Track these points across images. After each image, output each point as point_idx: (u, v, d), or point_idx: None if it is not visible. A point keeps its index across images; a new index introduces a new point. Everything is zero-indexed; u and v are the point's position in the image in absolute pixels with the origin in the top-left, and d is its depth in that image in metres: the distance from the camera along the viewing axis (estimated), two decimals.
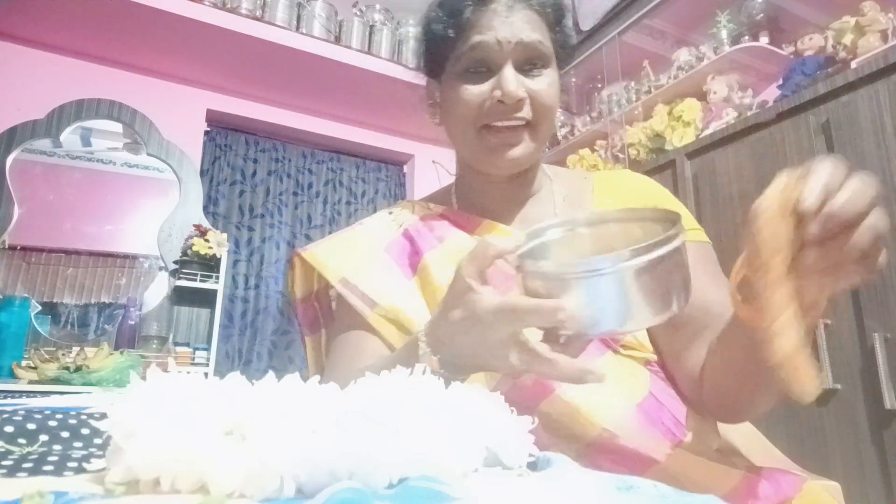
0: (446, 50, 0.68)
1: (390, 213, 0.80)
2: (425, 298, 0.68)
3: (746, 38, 2.16)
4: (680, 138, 2.19)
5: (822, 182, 0.37)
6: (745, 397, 0.57)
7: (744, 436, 0.63)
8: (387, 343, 0.68)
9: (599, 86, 2.74)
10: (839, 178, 0.38)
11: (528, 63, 0.66)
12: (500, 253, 0.45)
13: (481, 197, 0.76)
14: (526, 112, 0.66)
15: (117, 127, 2.80)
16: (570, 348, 0.44)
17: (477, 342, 0.45)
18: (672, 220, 0.45)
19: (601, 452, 0.57)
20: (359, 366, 0.65)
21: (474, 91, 0.66)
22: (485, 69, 0.66)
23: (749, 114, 1.95)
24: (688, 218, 0.69)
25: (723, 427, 0.67)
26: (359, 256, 0.72)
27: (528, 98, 0.66)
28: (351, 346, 0.69)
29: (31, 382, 1.87)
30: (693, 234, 0.67)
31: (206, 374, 1.95)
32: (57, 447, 0.34)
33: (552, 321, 0.41)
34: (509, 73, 0.64)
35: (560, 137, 2.91)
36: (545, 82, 0.67)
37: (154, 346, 2.50)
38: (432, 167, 3.64)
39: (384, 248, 0.73)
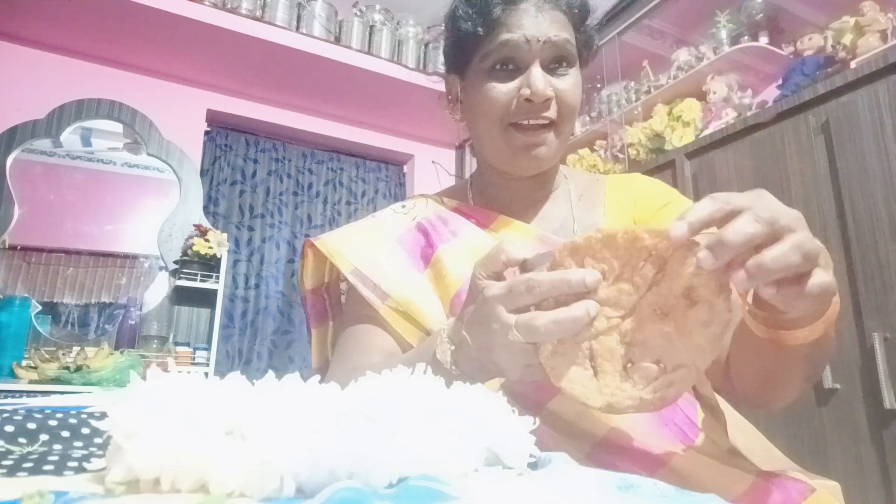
0: (473, 47, 0.68)
1: (403, 206, 0.79)
2: (437, 291, 0.68)
3: (746, 38, 2.16)
4: (679, 138, 2.19)
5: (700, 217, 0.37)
6: (770, 387, 0.56)
7: (744, 435, 0.62)
8: (396, 337, 0.67)
9: (599, 86, 2.74)
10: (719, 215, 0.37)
11: (555, 62, 0.66)
12: (511, 262, 0.46)
13: (499, 193, 0.76)
14: (552, 112, 0.66)
15: (117, 127, 2.80)
16: None
17: (487, 338, 0.45)
18: None
19: (610, 452, 0.56)
20: (366, 360, 0.65)
21: (502, 89, 0.66)
22: (512, 67, 0.66)
23: (748, 114, 1.95)
24: None
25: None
26: (371, 248, 0.72)
27: (555, 97, 0.66)
28: (359, 339, 0.69)
29: (31, 382, 1.86)
30: None
31: (206, 374, 1.95)
32: (57, 447, 0.34)
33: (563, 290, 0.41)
34: (537, 72, 0.65)
35: None
36: (570, 82, 0.67)
37: (154, 345, 2.50)
38: (432, 167, 3.64)
39: (396, 240, 0.73)
